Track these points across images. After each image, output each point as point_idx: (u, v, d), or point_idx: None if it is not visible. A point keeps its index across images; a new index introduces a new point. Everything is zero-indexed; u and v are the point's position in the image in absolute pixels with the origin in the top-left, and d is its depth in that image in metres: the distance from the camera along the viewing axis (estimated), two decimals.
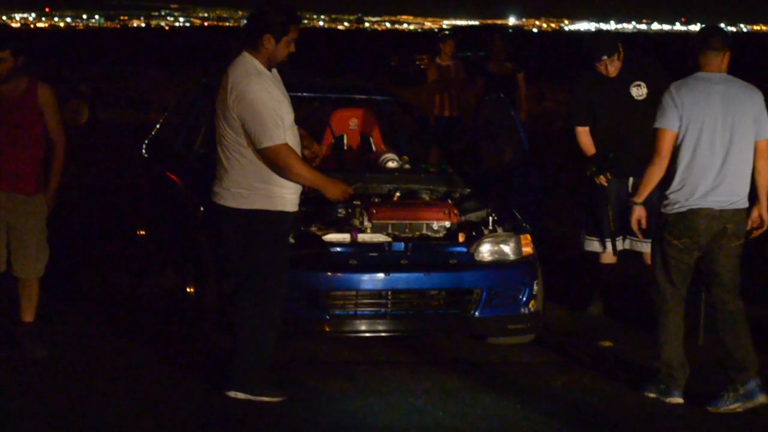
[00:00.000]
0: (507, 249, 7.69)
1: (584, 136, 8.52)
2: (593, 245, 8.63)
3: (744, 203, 6.88)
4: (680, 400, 6.91)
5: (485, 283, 7.53)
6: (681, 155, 6.80)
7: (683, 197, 6.80)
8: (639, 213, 7.11)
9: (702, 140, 6.76)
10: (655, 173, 6.90)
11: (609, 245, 8.56)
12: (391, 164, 8.69)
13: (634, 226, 7.16)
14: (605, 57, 8.36)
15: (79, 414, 6.51)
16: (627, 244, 8.61)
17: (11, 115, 7.23)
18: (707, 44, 6.87)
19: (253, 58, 6.57)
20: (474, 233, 7.72)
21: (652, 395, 6.98)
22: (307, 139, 6.93)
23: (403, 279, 7.44)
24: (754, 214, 6.95)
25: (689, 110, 6.77)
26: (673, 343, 6.93)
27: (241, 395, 6.64)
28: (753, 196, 6.96)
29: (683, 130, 6.79)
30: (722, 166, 6.77)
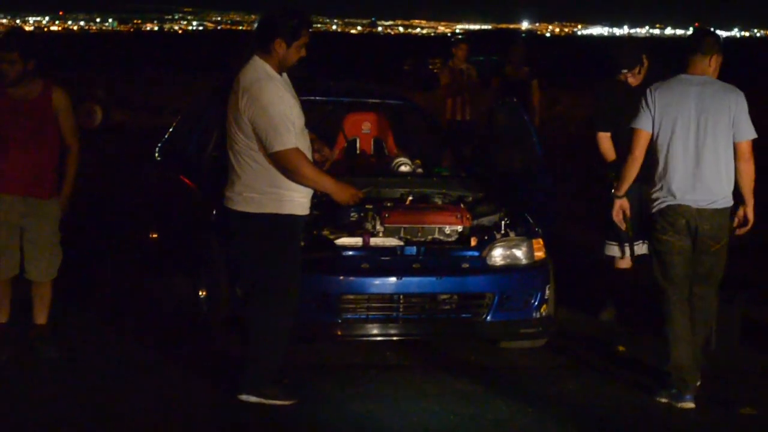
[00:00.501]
0: (519, 253, 7.69)
1: (606, 141, 8.52)
2: (613, 250, 8.64)
3: (725, 203, 6.98)
4: (692, 405, 6.90)
5: (497, 288, 7.53)
6: (658, 155, 7.00)
7: (663, 195, 6.98)
8: (619, 204, 7.31)
9: (675, 140, 6.93)
10: (629, 171, 7.14)
11: (627, 250, 8.57)
12: (403, 168, 8.69)
13: (617, 217, 7.34)
14: (625, 71, 8.36)
15: (90, 416, 6.52)
16: (645, 249, 8.60)
17: (26, 120, 7.24)
18: (695, 47, 7.02)
19: (264, 62, 6.58)
20: (486, 237, 7.71)
21: (663, 400, 6.98)
22: (317, 144, 6.94)
23: (415, 283, 7.45)
24: (740, 212, 7.06)
25: (662, 111, 6.94)
26: (681, 346, 6.93)
27: (253, 398, 6.65)
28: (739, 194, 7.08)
29: (656, 131, 6.97)
30: (697, 166, 6.91)
